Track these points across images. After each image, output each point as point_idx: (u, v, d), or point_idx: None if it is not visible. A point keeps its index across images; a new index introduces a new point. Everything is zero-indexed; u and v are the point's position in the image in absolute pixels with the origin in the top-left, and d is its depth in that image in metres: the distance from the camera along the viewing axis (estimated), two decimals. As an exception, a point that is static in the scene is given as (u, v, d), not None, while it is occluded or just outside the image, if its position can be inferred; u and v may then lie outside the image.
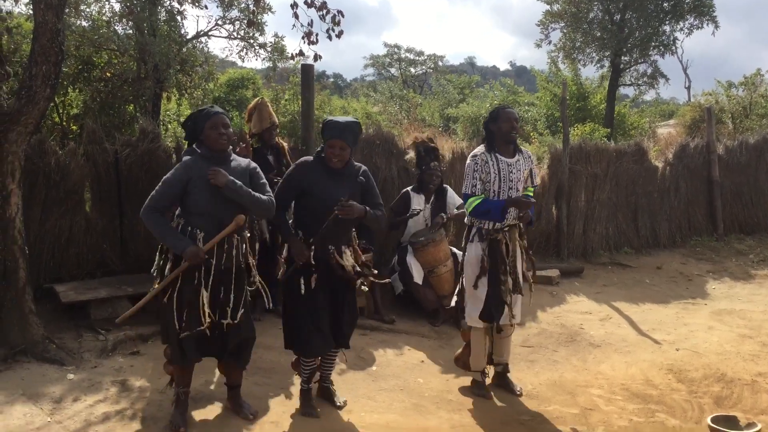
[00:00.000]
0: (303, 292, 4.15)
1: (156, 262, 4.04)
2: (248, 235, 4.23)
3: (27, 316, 5.02)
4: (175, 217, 4.00)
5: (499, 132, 4.65)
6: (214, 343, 4.04)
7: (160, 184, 3.93)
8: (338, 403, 4.50)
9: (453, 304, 5.21)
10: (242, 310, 4.05)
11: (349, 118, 4.28)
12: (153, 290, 3.97)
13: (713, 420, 3.37)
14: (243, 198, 3.93)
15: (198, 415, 4.24)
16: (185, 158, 3.99)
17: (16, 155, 4.93)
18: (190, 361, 4.01)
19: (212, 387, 4.66)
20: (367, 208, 4.19)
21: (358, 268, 4.26)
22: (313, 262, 4.13)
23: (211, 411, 4.31)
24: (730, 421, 3.41)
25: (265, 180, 4.18)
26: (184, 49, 9.65)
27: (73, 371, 4.80)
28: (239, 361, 4.21)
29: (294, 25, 7.73)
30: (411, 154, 7.03)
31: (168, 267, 3.93)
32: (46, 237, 5.96)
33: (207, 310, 3.89)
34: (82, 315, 5.68)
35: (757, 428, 3.30)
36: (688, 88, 36.72)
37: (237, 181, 3.90)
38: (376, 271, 4.43)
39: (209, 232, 3.90)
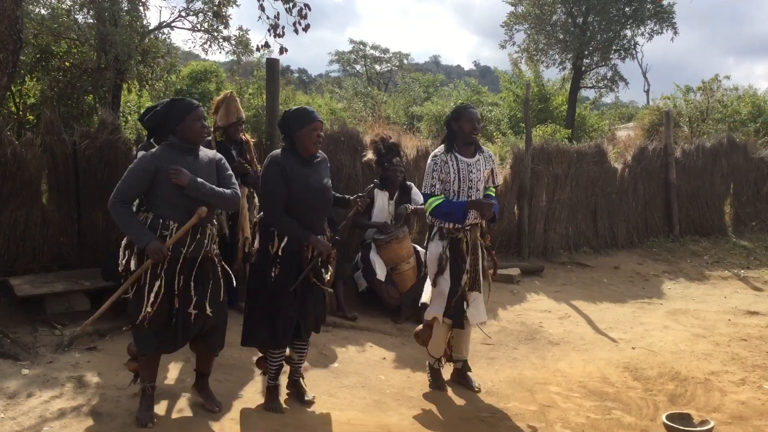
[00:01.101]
0: (278, 283, 4.13)
1: (120, 259, 3.95)
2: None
3: (-20, 309, 4.90)
4: (141, 211, 3.93)
5: (461, 132, 4.68)
6: (180, 334, 3.96)
7: (126, 175, 3.85)
8: (307, 398, 4.49)
9: (422, 300, 5.20)
10: (212, 298, 4.00)
11: (309, 106, 4.32)
12: (119, 290, 3.87)
13: (668, 417, 3.46)
14: (207, 196, 3.88)
15: (159, 411, 4.17)
16: (151, 150, 3.93)
17: (-29, 145, 4.81)
18: (158, 349, 3.96)
19: (172, 383, 4.60)
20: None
21: (320, 265, 4.26)
22: (280, 254, 4.11)
23: (172, 407, 4.26)
24: (684, 418, 3.50)
25: (231, 172, 4.14)
26: (146, 40, 9.49)
27: (28, 366, 4.70)
28: (207, 346, 4.15)
29: (260, 17, 7.69)
30: (370, 155, 6.99)
31: (133, 262, 3.85)
32: (1, 229, 5.82)
33: (153, 298, 3.82)
34: (37, 309, 5.56)
35: (710, 426, 3.39)
36: (647, 92, 37.62)
37: (198, 179, 3.85)
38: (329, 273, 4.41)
39: (182, 222, 3.83)
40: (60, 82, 8.79)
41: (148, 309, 3.80)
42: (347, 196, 4.59)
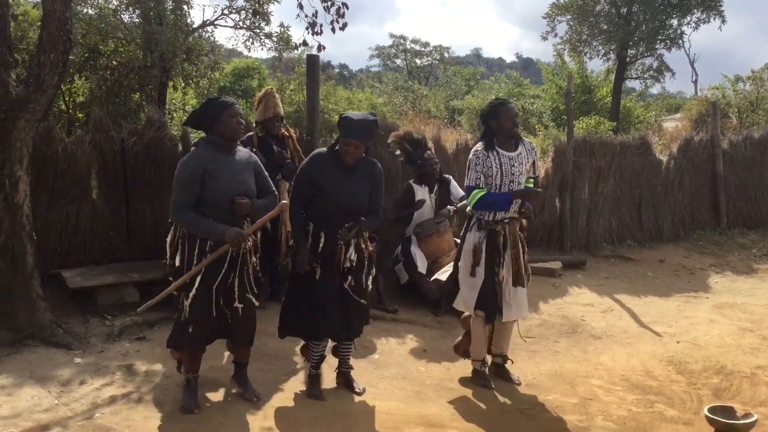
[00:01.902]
0: (306, 280, 4.23)
1: (168, 256, 4.09)
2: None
3: (34, 301, 5.08)
4: None
5: (501, 129, 4.64)
6: (219, 327, 4.10)
7: (177, 185, 3.95)
8: (357, 390, 4.54)
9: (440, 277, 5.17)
10: (248, 293, 4.13)
11: (367, 116, 4.27)
12: (181, 279, 3.99)
13: (710, 410, 3.42)
14: (264, 211, 4.11)
15: (204, 396, 4.30)
16: (191, 151, 4.06)
17: (24, 142, 4.98)
18: (198, 346, 4.09)
19: (218, 372, 4.71)
20: (362, 222, 4.25)
21: (352, 264, 4.31)
22: (318, 251, 4.21)
23: (217, 396, 4.38)
24: (727, 411, 3.45)
25: (266, 173, 4.29)
26: (191, 38, 9.68)
27: (80, 355, 4.87)
28: (239, 339, 4.25)
29: (298, 15, 7.78)
30: (398, 152, 6.92)
31: (178, 258, 4.00)
32: (54, 224, 6.02)
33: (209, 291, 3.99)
34: (88, 301, 5.75)
35: (753, 419, 3.35)
36: (695, 82, 36.73)
37: (256, 203, 4.06)
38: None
39: (224, 221, 3.95)
40: (108, 80, 9.03)
41: (189, 303, 3.96)
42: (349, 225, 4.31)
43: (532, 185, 4.80)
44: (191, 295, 3.97)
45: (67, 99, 9.14)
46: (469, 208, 4.79)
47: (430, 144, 7.01)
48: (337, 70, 54.92)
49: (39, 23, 8.10)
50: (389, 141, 6.83)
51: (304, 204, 4.27)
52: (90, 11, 9.12)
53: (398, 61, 42.21)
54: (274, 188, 4.30)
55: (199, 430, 3.93)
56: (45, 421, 3.91)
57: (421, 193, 6.62)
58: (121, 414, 4.06)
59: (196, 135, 9.03)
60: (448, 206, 6.53)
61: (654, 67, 18.83)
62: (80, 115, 9.10)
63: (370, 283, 4.45)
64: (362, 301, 4.42)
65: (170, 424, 3.98)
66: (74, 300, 5.77)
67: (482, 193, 4.61)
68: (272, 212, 4.06)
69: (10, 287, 5.02)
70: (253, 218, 4.07)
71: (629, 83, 20.64)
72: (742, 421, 3.37)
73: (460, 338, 5.11)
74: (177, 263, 4.02)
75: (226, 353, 4.49)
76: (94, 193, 6.37)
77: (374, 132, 4.30)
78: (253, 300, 4.17)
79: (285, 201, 4.07)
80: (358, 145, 4.16)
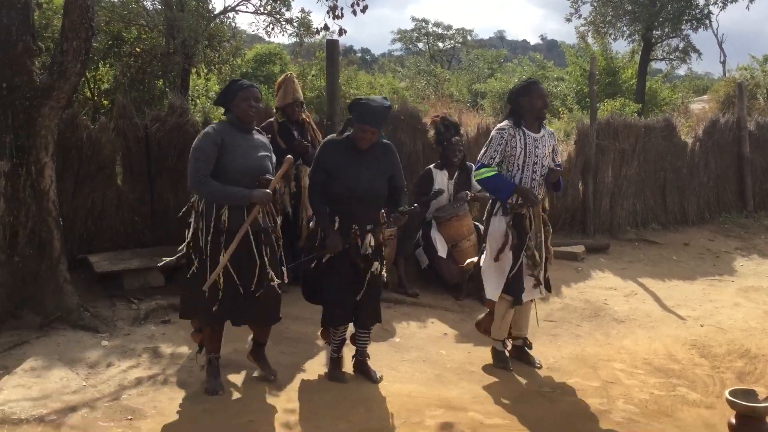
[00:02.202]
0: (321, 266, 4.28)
1: (187, 240, 4.14)
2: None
3: (62, 285, 5.19)
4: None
5: (532, 108, 4.62)
6: (240, 308, 4.16)
7: (193, 156, 4.01)
8: (374, 378, 4.55)
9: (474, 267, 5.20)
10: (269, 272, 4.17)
11: (383, 101, 4.25)
12: (226, 256, 4.02)
13: (731, 393, 3.41)
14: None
15: (227, 381, 4.38)
16: (211, 125, 4.18)
17: (49, 129, 5.07)
18: (217, 322, 4.17)
19: (241, 355, 4.77)
20: (415, 209, 4.43)
21: (371, 252, 4.31)
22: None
23: (239, 378, 4.45)
24: (749, 394, 3.44)
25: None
26: (212, 25, 9.74)
27: (107, 338, 4.97)
28: (266, 320, 4.31)
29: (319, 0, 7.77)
30: (431, 132, 7.02)
31: (209, 238, 4.03)
32: (79, 210, 6.12)
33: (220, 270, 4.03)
34: (115, 285, 5.86)
35: (775, 401, 3.35)
36: (723, 63, 36.00)
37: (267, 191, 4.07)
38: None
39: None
40: (131, 67, 9.12)
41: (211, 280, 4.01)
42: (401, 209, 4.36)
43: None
44: (213, 273, 4.03)
45: (92, 86, 9.25)
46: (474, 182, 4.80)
47: (463, 131, 7.03)
48: (359, 55, 54.79)
49: (63, 11, 8.24)
50: (430, 122, 6.94)
51: (322, 190, 4.28)
52: (113, -1, 9.22)
53: (420, 45, 42.02)
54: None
55: (223, 411, 4.00)
56: (73, 403, 4.00)
57: (440, 177, 6.62)
58: (147, 395, 4.15)
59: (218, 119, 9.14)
60: (465, 191, 6.52)
61: (680, 48, 18.51)
62: (105, 102, 9.21)
63: (384, 271, 4.46)
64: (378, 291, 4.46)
65: (195, 405, 4.05)
66: (101, 284, 5.88)
67: (491, 173, 4.60)
68: (282, 168, 4.10)
69: (37, 272, 5.13)
70: (274, 202, 4.13)
71: (655, 65, 20.32)
72: (763, 404, 3.36)
73: (482, 315, 5.09)
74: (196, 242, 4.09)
75: (249, 336, 4.55)
76: (118, 179, 6.47)
77: (388, 118, 4.32)
78: (275, 279, 4.21)
79: (289, 156, 4.14)
80: (374, 131, 4.16)
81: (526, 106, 4.64)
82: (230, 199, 4.00)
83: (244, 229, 4.00)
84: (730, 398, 3.40)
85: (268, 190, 4.02)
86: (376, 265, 4.34)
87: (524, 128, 4.63)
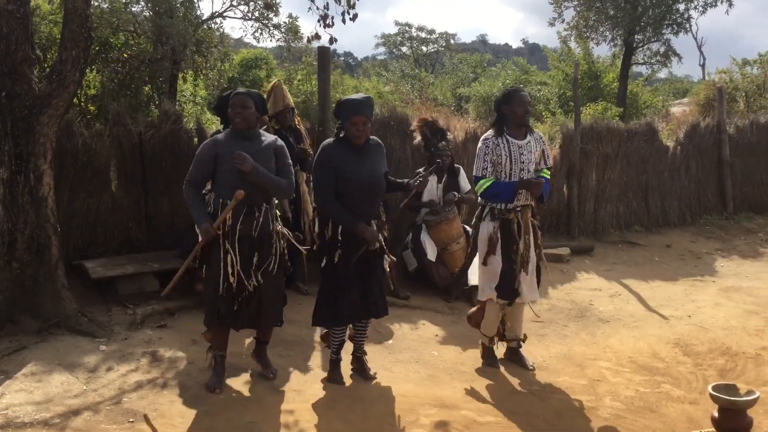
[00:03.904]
0: (335, 263, 4.37)
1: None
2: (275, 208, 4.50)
3: (60, 290, 5.26)
4: (208, 191, 4.34)
5: (513, 115, 4.77)
6: (247, 312, 4.31)
7: (193, 161, 4.31)
8: (369, 374, 4.70)
9: (471, 282, 5.36)
10: (272, 272, 4.35)
11: (363, 95, 4.48)
12: (184, 264, 4.33)
13: (714, 388, 3.57)
14: (266, 183, 4.24)
15: (229, 383, 4.48)
16: (215, 136, 4.33)
17: (48, 137, 5.14)
18: (224, 324, 4.32)
19: (240, 358, 4.88)
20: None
21: (378, 246, 4.47)
22: (339, 238, 4.34)
23: (238, 380, 4.55)
24: (731, 389, 3.59)
25: (290, 161, 4.43)
26: (200, 30, 9.80)
27: (105, 343, 5.04)
28: (266, 320, 4.45)
29: (309, 8, 7.87)
30: (418, 138, 7.09)
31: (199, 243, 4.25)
32: (75, 216, 6.19)
33: (231, 270, 4.19)
34: (110, 290, 5.93)
35: (755, 396, 3.49)
36: (703, 66, 36.48)
37: (260, 167, 4.17)
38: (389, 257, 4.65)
39: (239, 202, 4.17)
40: (119, 73, 9.14)
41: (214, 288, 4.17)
42: (406, 181, 4.64)
43: (547, 176, 4.93)
44: (216, 275, 4.22)
45: (79, 92, 9.26)
46: (478, 198, 4.94)
47: (450, 137, 7.16)
48: (342, 59, 54.89)
49: (50, 17, 8.27)
50: (413, 126, 7.10)
51: (335, 197, 4.35)
52: (103, 5, 9.24)
53: (404, 49, 42.13)
54: (293, 174, 4.47)
55: (223, 412, 4.10)
56: (76, 406, 4.08)
57: (430, 181, 6.73)
58: (148, 398, 4.24)
59: (207, 126, 9.20)
60: (453, 192, 6.65)
61: (661, 52, 18.78)
62: (92, 107, 9.23)
63: (387, 266, 4.60)
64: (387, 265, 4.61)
65: (195, 407, 4.15)
66: (96, 290, 5.94)
67: (489, 183, 4.75)
68: (230, 204, 4.15)
69: (35, 277, 5.19)
70: (255, 180, 4.19)
71: (636, 68, 20.59)
72: (744, 398, 3.51)
73: (474, 309, 5.20)
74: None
75: (248, 340, 4.66)
76: (113, 185, 6.53)
77: (373, 108, 4.49)
78: (279, 279, 4.40)
79: (240, 191, 4.12)
80: (365, 120, 4.31)
81: (508, 114, 4.79)
82: (192, 215, 4.31)
83: (192, 255, 4.27)
84: (713, 393, 3.55)
85: (213, 229, 4.15)
86: (386, 258, 4.55)
87: (508, 136, 4.78)
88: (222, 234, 4.20)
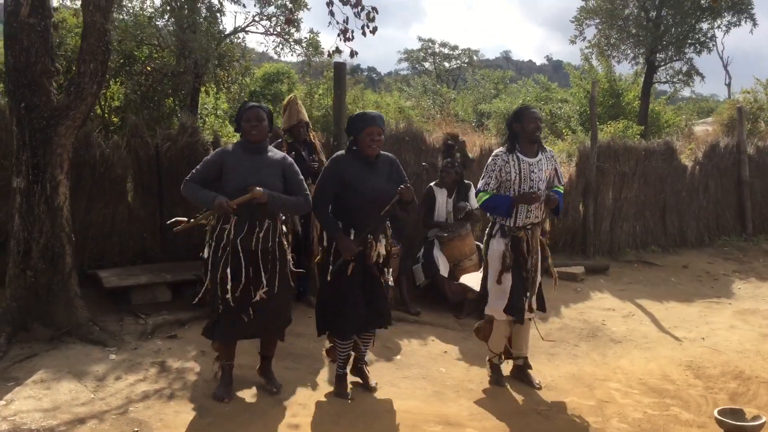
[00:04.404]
0: (336, 276, 4.39)
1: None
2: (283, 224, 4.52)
3: (72, 299, 5.33)
4: None
5: (524, 132, 4.79)
6: (251, 324, 4.35)
7: (200, 163, 4.38)
8: (371, 385, 4.72)
9: (478, 290, 5.35)
10: (276, 289, 4.36)
11: (375, 112, 4.55)
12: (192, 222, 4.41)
13: (720, 412, 3.52)
14: (284, 207, 4.33)
15: (236, 394, 4.51)
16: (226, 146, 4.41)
17: (65, 148, 5.23)
18: (226, 339, 4.37)
19: (246, 370, 4.90)
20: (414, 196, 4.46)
21: (381, 258, 4.49)
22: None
23: (244, 393, 4.57)
24: (737, 414, 3.55)
25: (301, 177, 4.47)
26: (223, 45, 9.95)
27: (115, 352, 5.09)
28: (270, 331, 4.52)
29: (330, 23, 7.97)
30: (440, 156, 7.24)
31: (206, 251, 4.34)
32: (91, 225, 6.29)
33: (231, 285, 4.24)
34: (123, 300, 6.00)
35: (761, 421, 3.44)
36: (728, 85, 36.19)
37: (274, 194, 4.23)
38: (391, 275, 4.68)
39: (240, 215, 4.23)
40: (142, 86, 9.31)
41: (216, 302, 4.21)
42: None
43: (561, 190, 4.95)
44: (221, 287, 4.27)
45: (103, 104, 9.43)
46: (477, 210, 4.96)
47: (458, 155, 7.22)
48: (366, 74, 55.19)
49: (77, 30, 8.43)
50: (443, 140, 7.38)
51: (330, 204, 4.44)
52: (125, 17, 9.43)
53: (427, 65, 42.32)
54: (306, 190, 4.48)
55: (228, 424, 4.12)
56: (82, 415, 4.13)
57: (440, 195, 6.79)
58: (154, 408, 4.27)
59: (227, 139, 9.30)
60: (463, 202, 6.68)
61: (683, 71, 18.69)
62: (115, 119, 9.39)
63: (390, 279, 4.62)
64: (389, 281, 4.63)
65: (200, 418, 4.18)
66: (110, 299, 6.02)
67: (487, 196, 4.77)
68: (246, 197, 4.15)
69: (49, 286, 5.26)
70: (272, 208, 4.24)
71: (659, 87, 20.50)
72: (749, 423, 3.46)
73: (482, 322, 5.17)
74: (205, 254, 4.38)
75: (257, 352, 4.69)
76: (129, 196, 6.63)
77: (385, 122, 4.53)
78: (282, 294, 4.40)
79: (258, 188, 4.14)
80: (379, 131, 4.37)
81: (519, 131, 4.82)
82: (199, 200, 4.26)
83: (201, 218, 4.35)
84: (719, 417, 3.51)
85: (229, 203, 4.13)
86: (387, 275, 4.56)
87: (519, 153, 4.79)
88: (222, 248, 4.25)
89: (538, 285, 4.92)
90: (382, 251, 4.50)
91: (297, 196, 4.38)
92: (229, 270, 4.22)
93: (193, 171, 4.34)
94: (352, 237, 4.38)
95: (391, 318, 4.76)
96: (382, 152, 4.54)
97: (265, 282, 4.30)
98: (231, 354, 4.49)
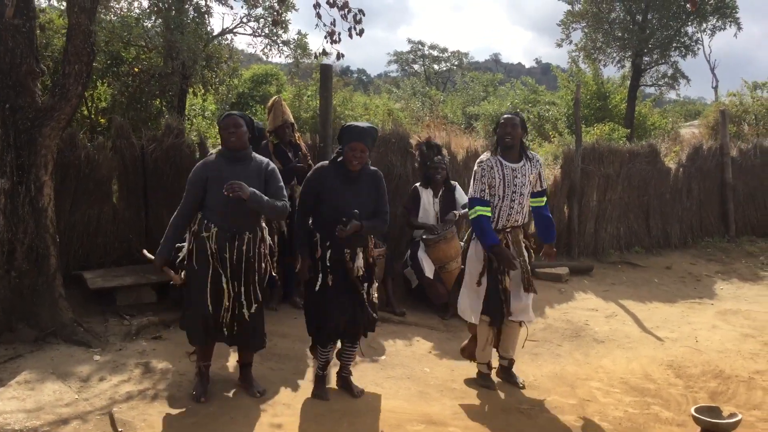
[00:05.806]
0: (317, 288, 4.43)
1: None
2: (266, 229, 4.54)
3: (57, 300, 5.33)
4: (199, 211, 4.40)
5: (498, 137, 4.89)
6: (223, 331, 4.41)
7: (186, 187, 4.38)
8: (356, 393, 4.71)
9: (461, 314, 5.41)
10: (254, 303, 4.42)
11: (368, 124, 4.52)
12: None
13: (697, 410, 3.58)
14: (263, 208, 4.32)
15: (216, 394, 4.54)
16: (205, 158, 4.43)
17: (50, 149, 5.23)
18: (198, 342, 4.44)
19: (229, 371, 4.93)
20: (363, 223, 4.30)
21: (363, 273, 4.50)
22: (329, 264, 4.39)
23: (228, 393, 4.59)
24: (714, 411, 3.61)
25: (281, 183, 4.48)
26: (210, 46, 9.94)
27: (99, 353, 5.10)
28: (249, 347, 4.57)
29: (317, 25, 8.00)
30: (416, 155, 7.22)
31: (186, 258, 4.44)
32: (76, 226, 6.27)
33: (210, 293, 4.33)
34: (108, 301, 5.99)
35: (737, 419, 3.49)
36: (715, 88, 36.42)
37: (257, 192, 4.23)
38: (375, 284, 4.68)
39: (222, 227, 4.28)
40: (129, 87, 9.28)
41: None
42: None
43: (543, 202, 5.03)
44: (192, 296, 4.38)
45: (89, 105, 9.40)
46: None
47: (445, 152, 7.25)
48: (356, 75, 55.23)
49: (63, 31, 8.41)
50: (413, 145, 7.25)
51: (309, 216, 4.48)
52: (112, 17, 9.40)
53: (416, 67, 42.41)
54: (285, 197, 4.47)
55: (211, 425, 4.14)
56: (66, 415, 4.13)
57: (426, 196, 6.82)
58: (138, 409, 4.28)
59: (214, 140, 9.31)
60: (454, 211, 6.71)
61: (669, 74, 18.83)
62: (102, 120, 9.36)
63: (375, 293, 4.63)
64: (373, 314, 4.59)
65: (184, 418, 4.20)
66: (94, 300, 6.01)
67: (485, 214, 4.78)
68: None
69: (33, 287, 5.26)
70: (253, 206, 4.23)
71: (647, 89, 20.64)
72: (725, 421, 3.52)
73: (466, 342, 5.28)
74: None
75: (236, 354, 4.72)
76: (114, 197, 6.62)
77: (375, 139, 4.53)
78: (252, 310, 4.43)
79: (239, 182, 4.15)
80: (363, 148, 4.35)
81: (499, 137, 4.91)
82: (163, 239, 4.47)
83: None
84: (696, 415, 3.57)
85: (157, 268, 4.43)
86: (368, 287, 4.54)
87: (500, 158, 4.84)
88: (200, 257, 4.32)
89: (527, 288, 4.94)
90: (360, 265, 4.46)
91: (275, 201, 4.38)
92: (209, 281, 4.29)
93: (184, 196, 4.37)
94: (330, 251, 4.38)
95: (374, 326, 4.74)
96: (371, 167, 4.55)
97: (243, 297, 4.37)
98: (208, 355, 4.52)
